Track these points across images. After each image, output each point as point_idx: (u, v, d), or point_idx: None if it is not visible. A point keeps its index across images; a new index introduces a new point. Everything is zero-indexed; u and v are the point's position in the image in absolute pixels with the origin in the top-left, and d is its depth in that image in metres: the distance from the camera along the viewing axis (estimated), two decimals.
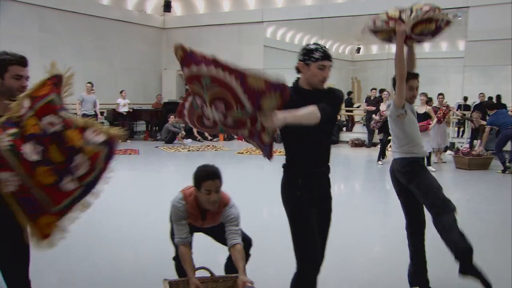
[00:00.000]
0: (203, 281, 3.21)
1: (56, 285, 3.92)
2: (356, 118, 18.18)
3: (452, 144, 12.98)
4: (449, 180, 8.96)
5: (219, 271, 3.46)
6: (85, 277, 4.05)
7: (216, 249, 3.52)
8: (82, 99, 12.62)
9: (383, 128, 10.36)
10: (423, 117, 9.33)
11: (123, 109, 14.42)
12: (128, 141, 14.17)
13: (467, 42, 13.83)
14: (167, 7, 18.02)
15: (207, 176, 2.98)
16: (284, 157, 2.96)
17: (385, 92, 11.62)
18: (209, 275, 3.30)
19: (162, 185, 8.35)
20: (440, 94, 11.03)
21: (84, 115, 12.41)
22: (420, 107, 9.52)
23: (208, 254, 4.06)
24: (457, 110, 13.92)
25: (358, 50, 22.15)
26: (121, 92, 14.65)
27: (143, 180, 8.57)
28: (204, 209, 3.12)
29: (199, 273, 3.26)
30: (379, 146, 11.24)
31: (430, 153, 9.70)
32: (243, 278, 2.91)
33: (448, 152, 12.40)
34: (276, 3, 16.93)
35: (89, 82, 12.81)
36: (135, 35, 17.74)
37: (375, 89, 14.54)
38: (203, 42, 18.15)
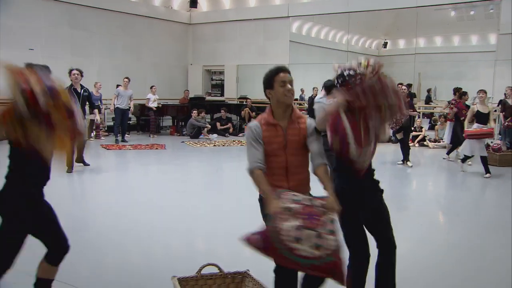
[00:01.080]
0: (211, 277, 3.20)
1: (88, 277, 4.01)
2: None
3: None
4: (479, 176, 8.77)
5: (227, 267, 3.46)
6: (114, 269, 4.16)
7: (222, 246, 3.51)
8: (118, 94, 12.75)
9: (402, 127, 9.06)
10: (485, 119, 8.63)
11: (153, 104, 14.59)
12: (154, 136, 14.36)
13: (499, 35, 13.51)
14: (193, 2, 18.15)
15: (279, 70, 2.91)
16: None
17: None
18: (217, 271, 3.28)
19: (187, 179, 8.45)
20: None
21: (117, 109, 12.67)
22: (482, 107, 8.73)
23: (216, 249, 4.08)
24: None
25: (385, 44, 21.86)
26: (151, 87, 14.82)
27: (170, 174, 8.68)
28: (282, 116, 2.89)
29: (207, 270, 3.24)
30: (401, 148, 9.97)
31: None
32: (331, 200, 2.69)
33: None
34: None
35: (126, 77, 12.88)
36: (162, 31, 17.95)
37: (401, 84, 14.31)
38: (228, 37, 18.24)
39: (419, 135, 12.84)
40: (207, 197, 6.95)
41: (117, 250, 4.58)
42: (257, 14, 17.46)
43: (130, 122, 15.67)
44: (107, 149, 11.46)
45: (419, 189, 8.34)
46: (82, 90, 8.23)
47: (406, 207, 6.58)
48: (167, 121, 16.61)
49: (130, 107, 13.07)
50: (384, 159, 10.40)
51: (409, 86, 15.04)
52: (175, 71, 18.53)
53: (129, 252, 4.54)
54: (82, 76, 8.28)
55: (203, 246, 4.87)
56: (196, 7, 18.38)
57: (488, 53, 15.29)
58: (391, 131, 11.28)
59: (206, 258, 3.34)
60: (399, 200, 6.79)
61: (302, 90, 17.80)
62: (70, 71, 8.17)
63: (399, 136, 9.80)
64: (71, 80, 8.06)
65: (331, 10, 16.21)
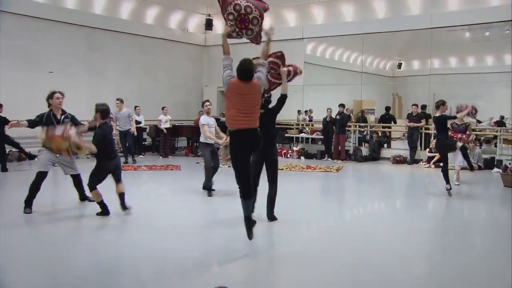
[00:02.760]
0: None
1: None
2: (397, 135, 17.88)
3: (500, 161, 12.51)
4: (497, 199, 8.64)
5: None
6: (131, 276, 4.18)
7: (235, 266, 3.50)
8: (116, 117, 12.68)
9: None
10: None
11: (165, 125, 14.70)
12: (169, 157, 14.45)
13: None
14: (209, 25, 18.41)
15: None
16: None
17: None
18: None
19: (202, 200, 8.46)
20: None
21: (119, 132, 12.67)
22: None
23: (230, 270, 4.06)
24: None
25: (399, 65, 21.87)
26: (162, 108, 14.95)
27: (184, 195, 8.70)
28: None
29: None
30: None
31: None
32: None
33: (495, 169, 12.02)
34: (316, 19, 17.00)
35: (117, 99, 12.81)
36: (178, 53, 18.22)
37: (416, 105, 14.30)
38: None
39: (434, 156, 12.74)
40: (222, 219, 6.94)
41: (132, 269, 4.59)
42: (272, 36, 17.59)
43: (146, 143, 15.83)
44: (123, 170, 11.54)
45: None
46: (63, 117, 7.12)
47: None
48: (182, 142, 16.74)
49: (130, 128, 13.02)
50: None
51: (423, 107, 15.01)
52: (191, 93, 18.73)
53: (142, 272, 4.55)
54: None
55: (217, 268, 4.86)
56: (211, 29, 18.63)
57: (504, 74, 15.19)
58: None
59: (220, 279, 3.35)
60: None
61: (310, 111, 17.84)
62: (52, 94, 7.15)
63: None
64: (52, 104, 7.11)
65: (345, 32, 16.31)
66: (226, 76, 5.12)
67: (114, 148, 7.07)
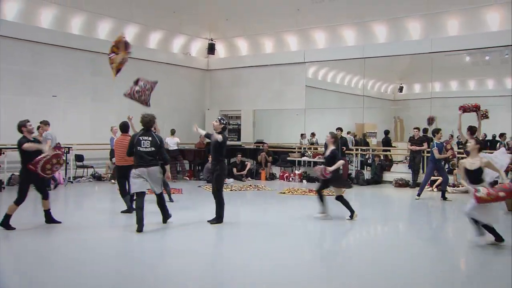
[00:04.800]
0: None
1: None
2: (399, 158, 17.85)
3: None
4: (502, 225, 8.57)
5: None
6: None
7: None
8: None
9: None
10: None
11: (173, 148, 14.84)
12: (174, 181, 14.32)
13: None
14: (211, 49, 18.65)
15: None
16: None
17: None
18: None
19: (201, 224, 8.40)
20: None
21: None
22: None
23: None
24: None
25: (401, 89, 21.97)
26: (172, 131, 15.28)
27: (186, 220, 8.66)
28: None
29: None
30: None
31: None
32: None
33: None
34: (318, 44, 17.18)
35: (114, 126, 12.87)
36: (181, 77, 18.38)
37: (417, 128, 14.31)
38: (245, 83, 18.58)
39: (437, 179, 12.69)
40: (223, 243, 6.89)
41: None
42: (274, 60, 17.80)
43: None
44: None
45: None
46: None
47: None
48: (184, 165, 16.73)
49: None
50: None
51: (425, 130, 15.01)
52: (193, 116, 18.79)
53: None
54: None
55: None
56: (213, 54, 18.86)
57: (505, 98, 15.27)
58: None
59: None
60: None
61: (313, 134, 17.85)
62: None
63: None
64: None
65: (346, 56, 16.46)
66: None
67: None
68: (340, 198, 8.39)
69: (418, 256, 6.29)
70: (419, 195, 11.41)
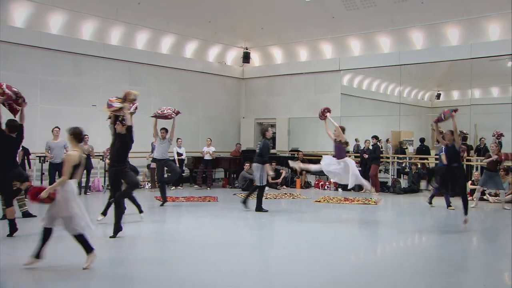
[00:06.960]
0: None
1: None
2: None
3: None
4: None
5: None
6: None
7: None
8: (49, 147, 12.07)
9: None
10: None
11: (207, 157, 15.00)
12: (208, 189, 14.52)
13: None
14: (246, 58, 18.80)
15: None
16: None
17: None
18: None
19: (237, 231, 8.44)
20: None
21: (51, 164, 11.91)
22: None
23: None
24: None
25: (438, 96, 21.51)
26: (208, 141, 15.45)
27: (223, 227, 8.71)
28: None
29: None
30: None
31: None
32: None
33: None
34: (353, 51, 17.05)
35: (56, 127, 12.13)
36: (216, 85, 18.58)
37: (462, 131, 13.98)
38: (280, 91, 18.62)
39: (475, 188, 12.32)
40: (259, 251, 6.89)
41: None
42: (308, 68, 17.77)
43: (184, 174, 16.06)
44: (160, 200, 11.71)
45: None
46: None
47: None
48: (219, 173, 16.87)
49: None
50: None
51: (464, 138, 14.64)
52: (228, 124, 18.97)
53: None
54: None
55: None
56: (248, 62, 19.00)
57: (508, 105, 14.81)
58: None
59: None
60: None
61: (356, 140, 17.50)
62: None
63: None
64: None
65: (382, 63, 16.29)
66: None
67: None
68: None
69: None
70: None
